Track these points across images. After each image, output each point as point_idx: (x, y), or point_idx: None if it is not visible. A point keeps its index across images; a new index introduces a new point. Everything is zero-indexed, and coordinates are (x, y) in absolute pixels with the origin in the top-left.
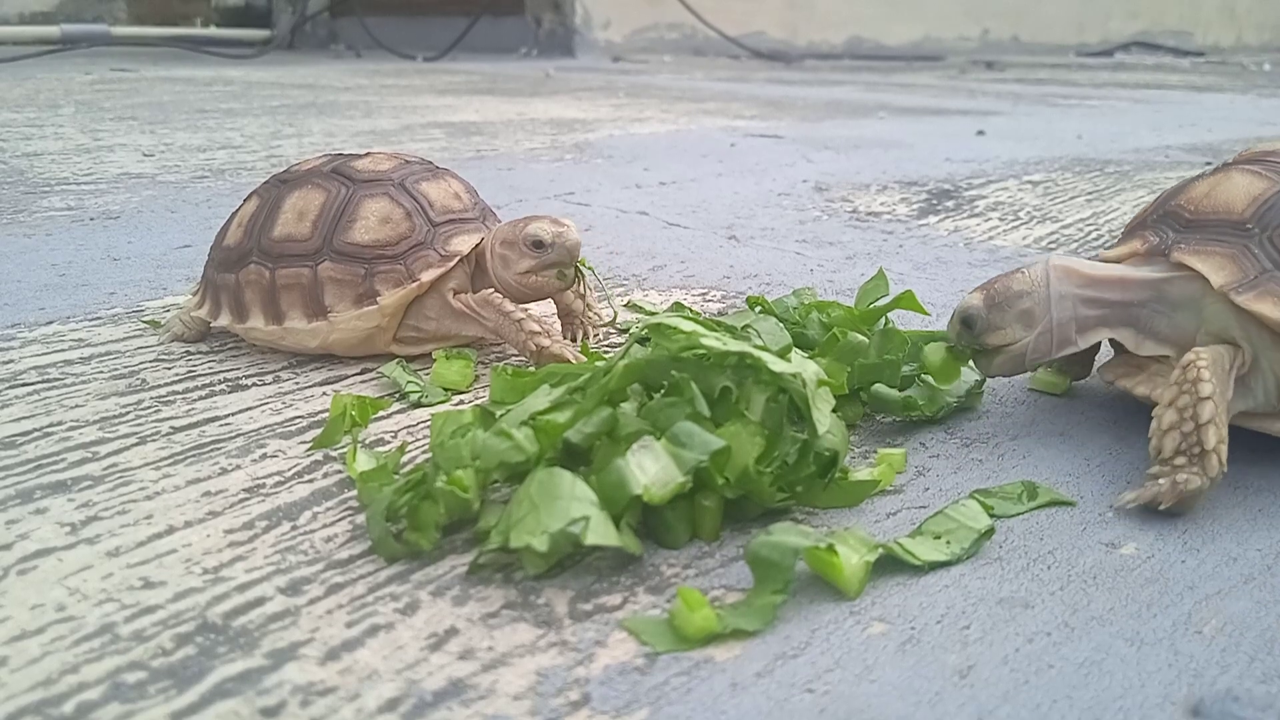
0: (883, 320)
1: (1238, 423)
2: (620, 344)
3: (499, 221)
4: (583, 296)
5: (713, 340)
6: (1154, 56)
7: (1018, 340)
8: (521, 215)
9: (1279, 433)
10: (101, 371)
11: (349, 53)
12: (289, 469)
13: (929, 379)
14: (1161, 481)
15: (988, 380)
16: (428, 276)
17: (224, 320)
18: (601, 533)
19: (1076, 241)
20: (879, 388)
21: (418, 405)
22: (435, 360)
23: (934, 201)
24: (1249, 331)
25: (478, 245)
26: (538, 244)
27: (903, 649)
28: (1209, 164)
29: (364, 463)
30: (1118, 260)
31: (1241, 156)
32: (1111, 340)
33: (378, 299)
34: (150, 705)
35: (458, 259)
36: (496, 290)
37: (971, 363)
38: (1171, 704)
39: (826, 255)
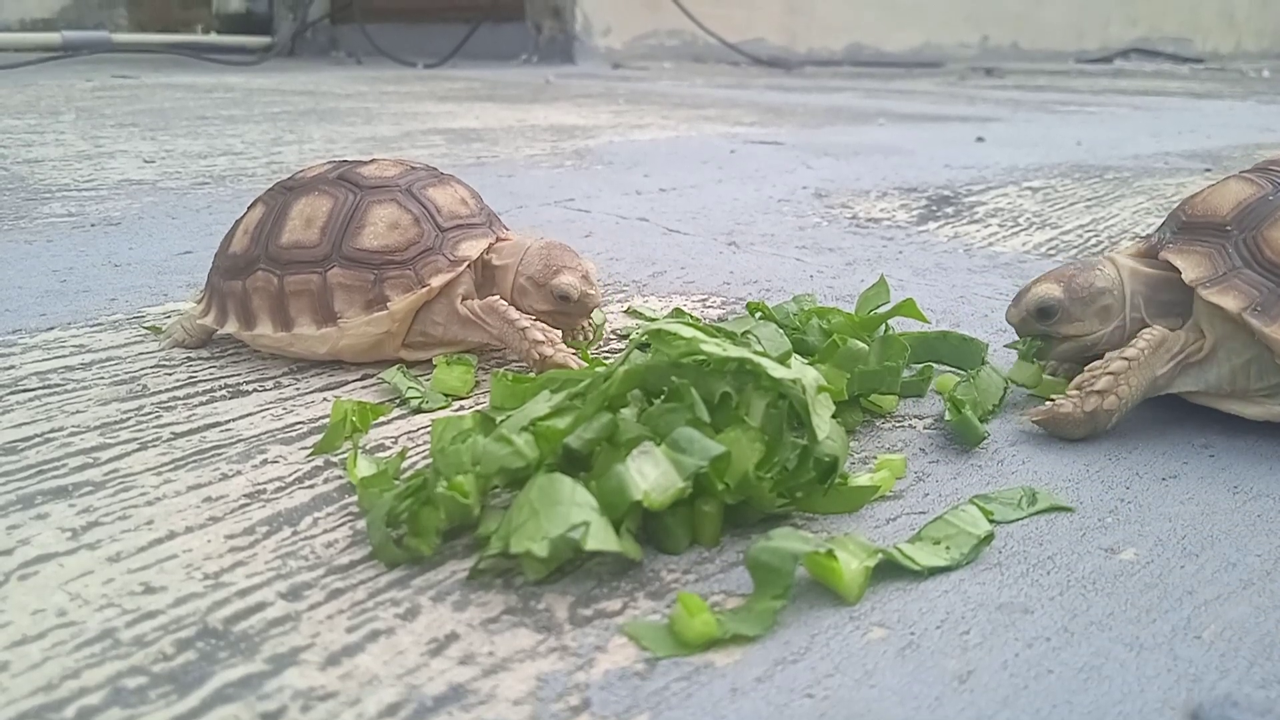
0: (883, 327)
1: (1195, 400)
2: (620, 350)
3: (504, 227)
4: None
5: (713, 346)
6: (1153, 63)
7: (1092, 332)
8: (552, 239)
9: (1236, 412)
10: (102, 377)
11: (349, 59)
12: (290, 474)
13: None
14: (1047, 404)
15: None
16: (437, 282)
17: (231, 327)
18: (601, 538)
19: (1076, 248)
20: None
21: (418, 411)
22: (436, 366)
23: (934, 208)
24: (1214, 320)
25: (485, 251)
26: (564, 298)
27: (902, 654)
28: (1208, 170)
29: (364, 468)
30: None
31: (1254, 167)
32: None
33: (388, 305)
34: (151, 710)
35: (466, 264)
36: (503, 297)
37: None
38: (1171, 709)
39: (826, 261)
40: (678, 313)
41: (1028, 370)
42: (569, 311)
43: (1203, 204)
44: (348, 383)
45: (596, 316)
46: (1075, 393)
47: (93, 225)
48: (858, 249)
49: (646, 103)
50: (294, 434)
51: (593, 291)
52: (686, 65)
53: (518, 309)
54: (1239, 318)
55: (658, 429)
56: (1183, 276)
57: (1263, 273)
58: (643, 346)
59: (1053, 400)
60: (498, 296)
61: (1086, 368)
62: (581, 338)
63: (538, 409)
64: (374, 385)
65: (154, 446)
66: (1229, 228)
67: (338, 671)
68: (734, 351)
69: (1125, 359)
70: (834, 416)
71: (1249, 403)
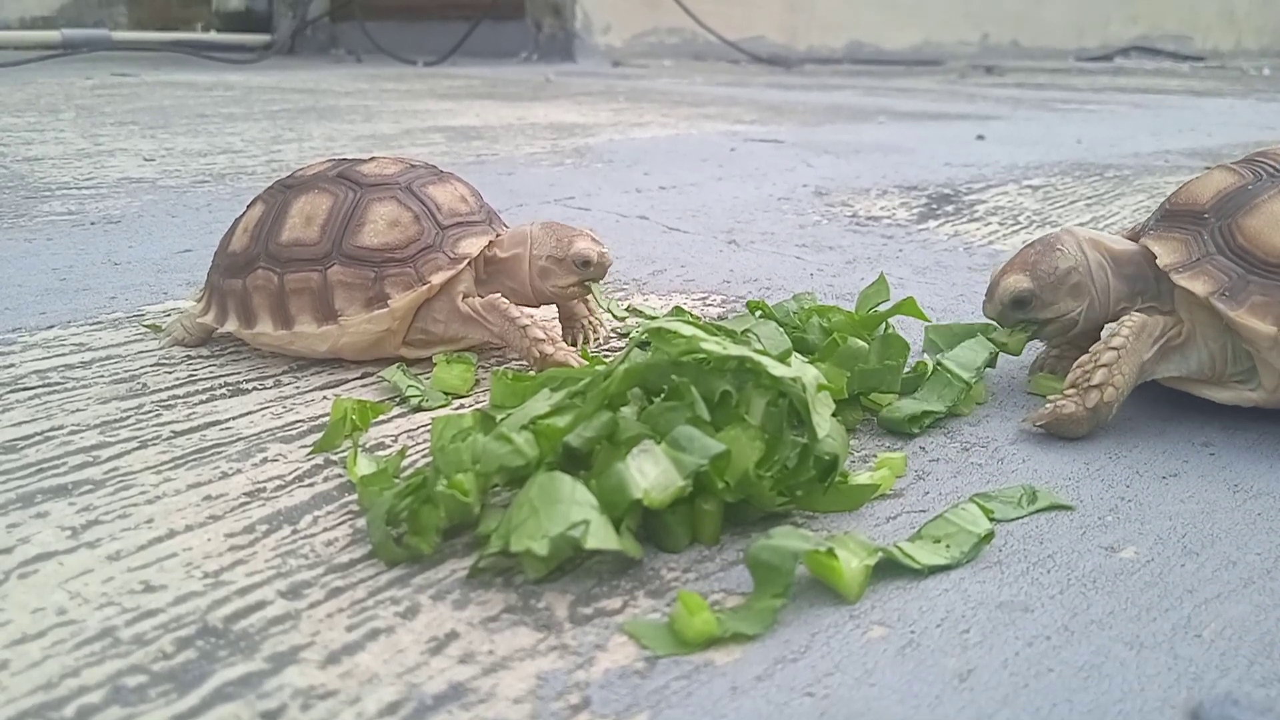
0: (883, 325)
1: (1171, 385)
2: (620, 348)
3: (505, 225)
4: (586, 301)
5: (713, 345)
6: (1153, 61)
7: (1070, 311)
8: (544, 219)
9: (1208, 396)
10: (102, 376)
11: (349, 57)
12: (289, 473)
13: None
14: (1048, 406)
15: (984, 382)
16: (438, 279)
17: (231, 326)
18: (602, 536)
19: None
20: (886, 415)
21: (418, 409)
22: (436, 364)
23: (934, 206)
24: (1189, 305)
25: (486, 248)
26: (585, 263)
27: (902, 653)
28: (1207, 168)
29: (364, 467)
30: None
31: (1243, 158)
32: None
33: (388, 302)
34: (151, 709)
35: (466, 261)
36: (505, 294)
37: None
38: (1171, 708)
39: (826, 260)
40: (678, 311)
41: (1018, 340)
42: (592, 277)
43: (1186, 193)
44: (348, 381)
45: (607, 319)
46: (1073, 391)
47: (92, 223)
48: (858, 247)
49: (646, 100)
50: (294, 432)
51: (605, 249)
52: (686, 63)
53: (539, 292)
54: (1207, 302)
55: (658, 427)
56: (1158, 261)
57: (1234, 259)
58: (643, 345)
59: (1052, 402)
60: (499, 294)
61: (1076, 364)
62: (581, 338)
63: (538, 407)
64: (374, 383)
65: (154, 445)
66: (1206, 215)
67: (338, 670)
68: (734, 350)
69: (1113, 349)
70: (834, 415)
71: (1221, 388)
